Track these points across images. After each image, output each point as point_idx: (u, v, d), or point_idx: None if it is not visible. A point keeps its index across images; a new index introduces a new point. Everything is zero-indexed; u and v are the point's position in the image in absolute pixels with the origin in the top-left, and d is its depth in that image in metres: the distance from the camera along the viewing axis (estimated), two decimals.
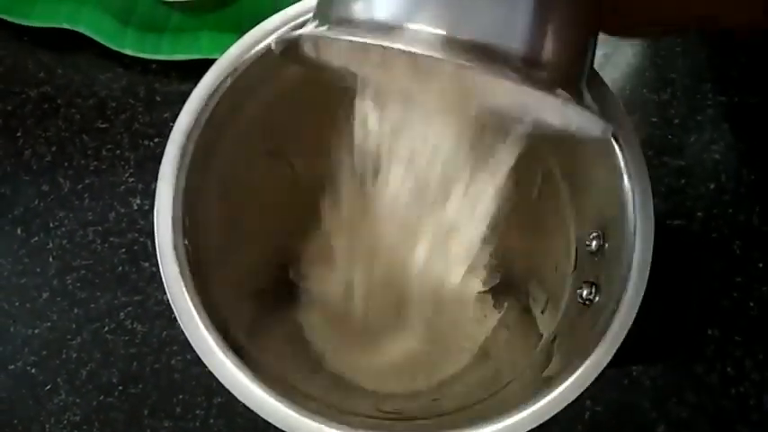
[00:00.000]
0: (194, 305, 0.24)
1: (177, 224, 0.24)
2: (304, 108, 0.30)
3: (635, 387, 0.37)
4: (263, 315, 0.32)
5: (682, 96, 0.43)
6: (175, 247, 0.23)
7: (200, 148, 0.25)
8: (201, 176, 0.26)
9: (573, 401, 0.36)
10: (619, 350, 0.37)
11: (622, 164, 0.24)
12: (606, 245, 0.25)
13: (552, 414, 0.22)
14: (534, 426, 0.22)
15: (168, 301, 0.38)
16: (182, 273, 0.24)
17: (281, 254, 0.36)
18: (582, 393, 0.36)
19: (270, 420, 0.23)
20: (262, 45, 0.26)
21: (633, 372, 0.37)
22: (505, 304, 0.35)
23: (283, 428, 0.23)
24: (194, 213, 0.25)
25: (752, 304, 0.38)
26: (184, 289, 0.24)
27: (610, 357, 0.22)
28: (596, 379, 0.37)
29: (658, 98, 0.43)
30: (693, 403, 0.37)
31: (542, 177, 0.31)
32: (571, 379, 0.22)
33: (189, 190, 0.25)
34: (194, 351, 0.37)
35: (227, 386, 0.23)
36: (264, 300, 0.34)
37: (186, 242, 0.24)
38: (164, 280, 0.24)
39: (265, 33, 0.26)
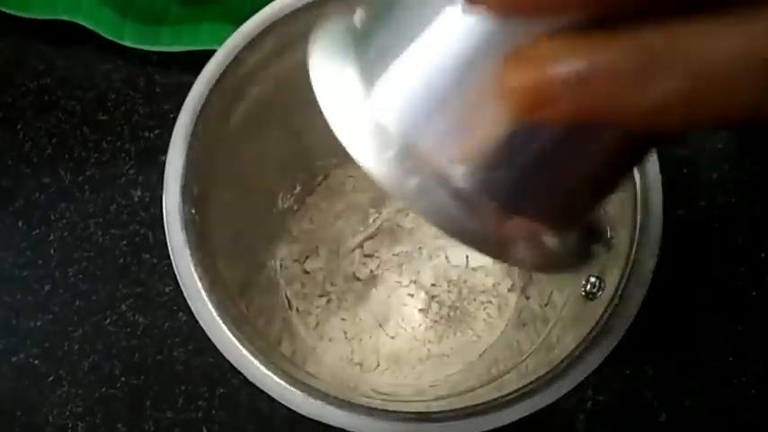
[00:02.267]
0: (199, 276, 0.23)
1: (186, 193, 0.24)
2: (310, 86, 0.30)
3: (637, 376, 0.37)
4: (263, 292, 0.32)
5: None
6: (182, 216, 0.23)
7: (211, 119, 0.25)
8: (211, 148, 0.26)
9: (575, 391, 0.36)
10: (621, 341, 0.37)
11: None
12: (613, 239, 0.25)
13: (549, 402, 0.22)
14: (531, 412, 0.22)
15: (169, 292, 0.38)
16: (188, 241, 0.23)
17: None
18: (584, 383, 0.36)
19: (273, 396, 0.23)
20: (275, 20, 0.26)
21: (635, 362, 0.37)
22: (512, 298, 0.35)
23: (285, 403, 0.22)
24: (203, 183, 0.25)
25: (754, 293, 0.38)
26: (190, 258, 0.23)
27: (610, 350, 0.22)
28: (598, 369, 0.37)
29: None
30: (695, 392, 0.37)
31: None
32: (570, 373, 0.22)
33: (198, 160, 0.24)
34: (196, 342, 0.37)
35: (228, 357, 0.23)
36: (264, 276, 0.34)
37: (193, 211, 0.24)
38: (169, 249, 0.24)
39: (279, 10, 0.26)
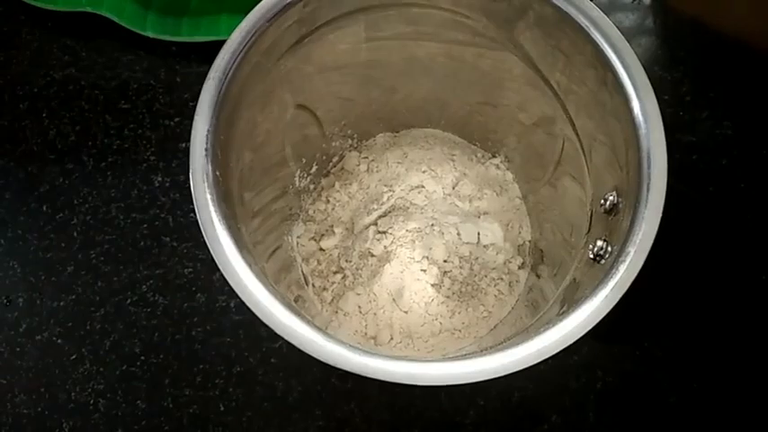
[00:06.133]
0: (224, 235, 0.24)
1: (210, 155, 0.24)
2: (328, 68, 0.31)
3: (646, 358, 0.37)
4: (280, 269, 0.33)
5: (693, 74, 0.43)
6: (207, 176, 0.24)
7: (233, 92, 0.26)
8: (234, 116, 0.26)
9: (585, 372, 0.37)
10: (631, 323, 0.38)
11: (639, 115, 0.24)
12: (620, 203, 0.26)
13: (552, 353, 0.22)
14: (532, 364, 0.22)
15: (188, 274, 0.39)
16: (212, 200, 0.24)
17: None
18: (594, 364, 0.37)
19: (308, 352, 0.23)
20: None
21: (645, 343, 0.37)
22: (522, 275, 0.36)
23: (323, 360, 0.23)
24: (226, 147, 0.25)
25: (764, 278, 0.39)
26: (214, 215, 0.24)
27: (616, 300, 0.23)
28: (608, 350, 0.37)
29: (670, 76, 0.43)
30: (705, 375, 0.37)
31: (562, 145, 0.32)
32: (571, 316, 0.22)
33: (222, 125, 0.25)
34: (214, 322, 0.38)
35: (250, 305, 0.23)
36: (282, 252, 0.35)
37: (218, 173, 0.24)
38: (195, 207, 0.24)
39: None
